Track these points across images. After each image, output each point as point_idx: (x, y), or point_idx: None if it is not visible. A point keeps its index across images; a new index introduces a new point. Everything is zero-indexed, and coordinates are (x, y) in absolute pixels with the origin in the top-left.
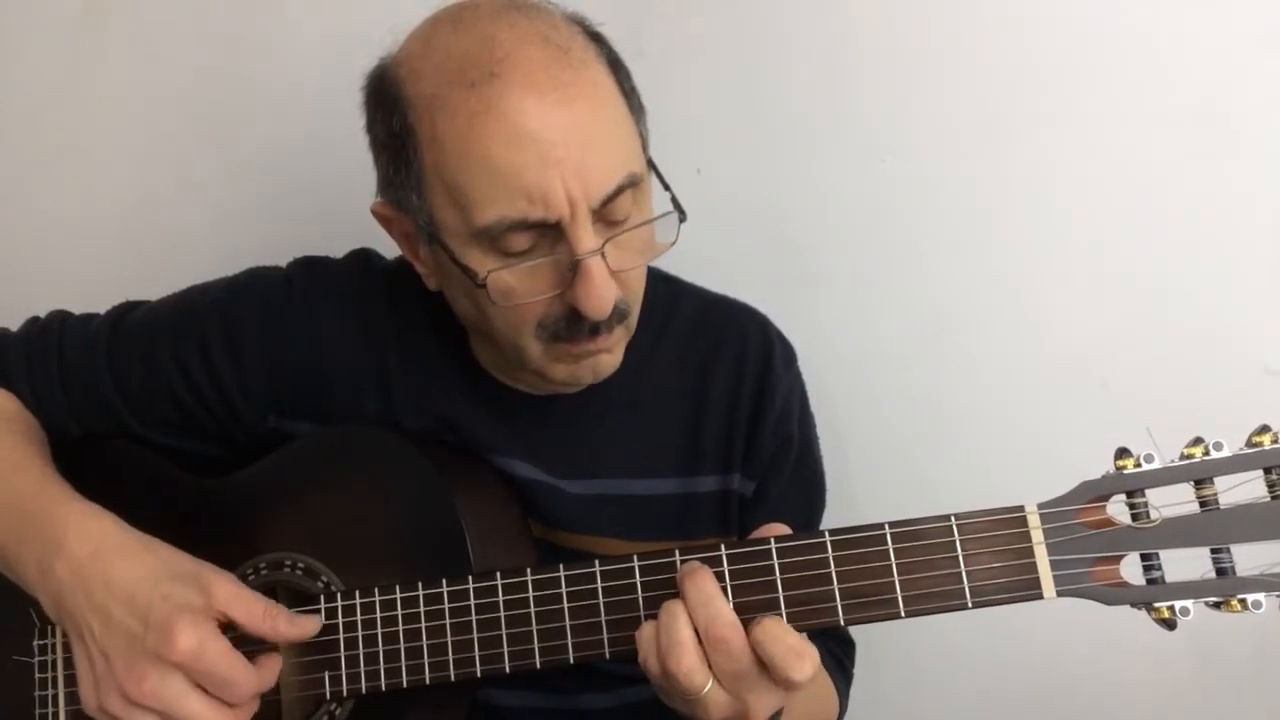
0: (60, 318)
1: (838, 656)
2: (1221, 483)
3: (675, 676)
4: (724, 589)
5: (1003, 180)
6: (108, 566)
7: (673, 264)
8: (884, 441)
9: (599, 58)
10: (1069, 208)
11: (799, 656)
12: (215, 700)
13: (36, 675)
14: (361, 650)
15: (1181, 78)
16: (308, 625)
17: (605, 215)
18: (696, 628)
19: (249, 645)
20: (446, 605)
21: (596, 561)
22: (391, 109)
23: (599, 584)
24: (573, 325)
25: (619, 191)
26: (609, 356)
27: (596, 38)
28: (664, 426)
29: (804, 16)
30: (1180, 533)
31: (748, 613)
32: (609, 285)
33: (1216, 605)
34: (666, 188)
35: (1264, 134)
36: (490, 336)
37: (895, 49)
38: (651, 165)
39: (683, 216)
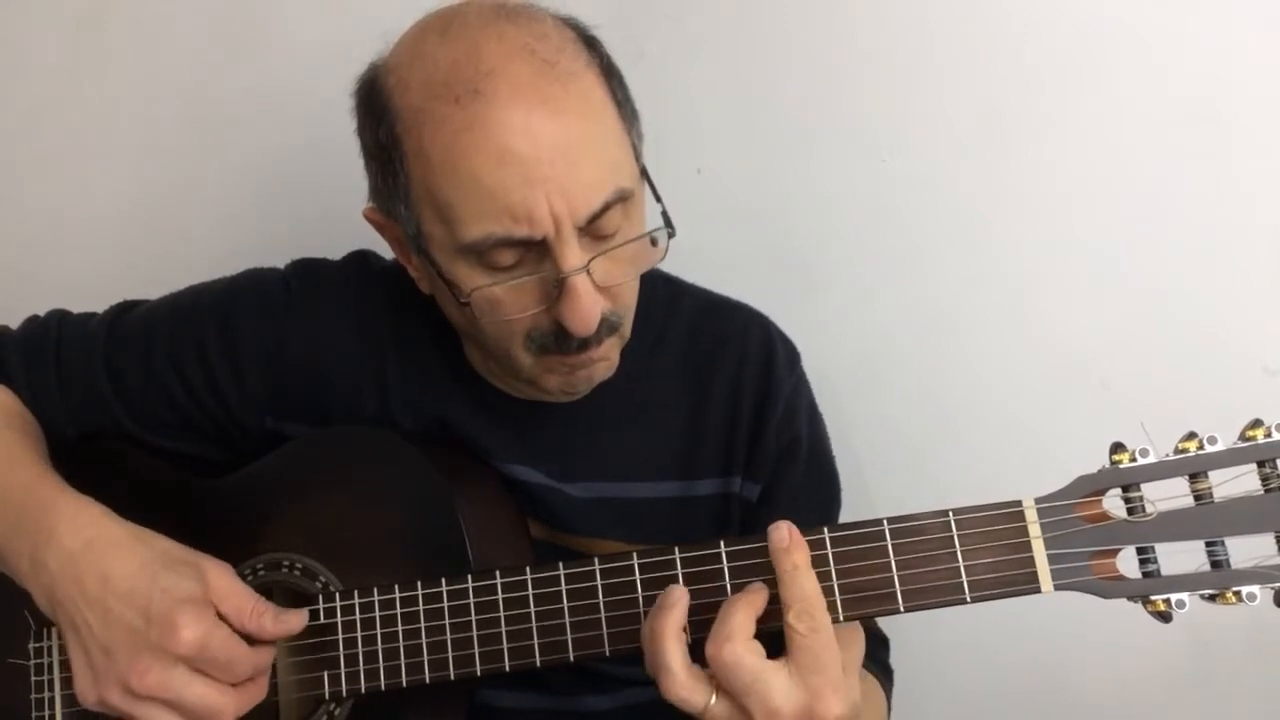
0: (59, 317)
1: (879, 658)
2: (1216, 476)
3: (671, 701)
4: (724, 587)
5: (1003, 180)
6: (101, 559)
7: (673, 264)
8: (885, 443)
9: (590, 66)
10: (1069, 208)
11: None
12: (218, 682)
13: (33, 678)
14: (360, 650)
15: (1181, 77)
16: (292, 621)
17: (594, 231)
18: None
19: None
20: (446, 604)
21: (596, 560)
22: (380, 118)
23: (598, 582)
24: (562, 340)
25: (606, 208)
26: (604, 364)
27: (590, 43)
28: (663, 429)
29: (804, 16)
30: (1175, 526)
31: None
32: (595, 302)
33: (1211, 598)
34: (658, 200)
35: (1264, 134)
36: (483, 345)
37: (895, 49)
38: (645, 175)
39: (672, 232)
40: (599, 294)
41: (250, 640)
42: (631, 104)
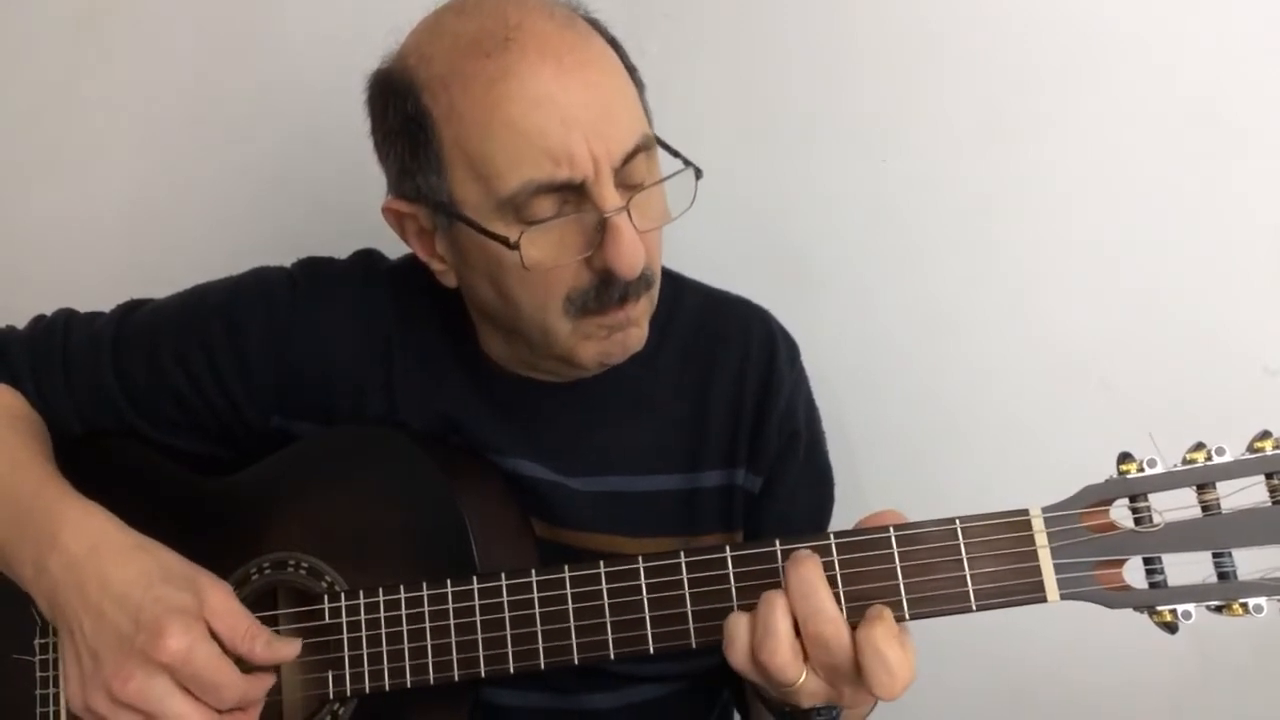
0: (65, 316)
1: None
2: (1223, 487)
3: (769, 669)
4: (728, 590)
5: (1003, 181)
6: (103, 565)
7: (673, 263)
8: (885, 444)
9: (598, 34)
10: (1069, 208)
11: (890, 676)
12: (201, 704)
13: (37, 674)
14: (365, 650)
15: (1181, 78)
16: (284, 650)
17: (624, 178)
18: (796, 619)
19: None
20: (450, 605)
21: (601, 563)
22: (404, 96)
23: (604, 585)
24: (602, 293)
25: (637, 151)
26: (637, 330)
27: (593, 21)
28: (668, 423)
29: (804, 17)
30: (1182, 537)
31: None
32: (638, 242)
33: (1218, 609)
34: (676, 154)
35: (1264, 134)
36: (515, 323)
37: (896, 49)
38: (659, 141)
39: (699, 173)
40: (638, 237)
41: (245, 669)
42: (638, 74)
